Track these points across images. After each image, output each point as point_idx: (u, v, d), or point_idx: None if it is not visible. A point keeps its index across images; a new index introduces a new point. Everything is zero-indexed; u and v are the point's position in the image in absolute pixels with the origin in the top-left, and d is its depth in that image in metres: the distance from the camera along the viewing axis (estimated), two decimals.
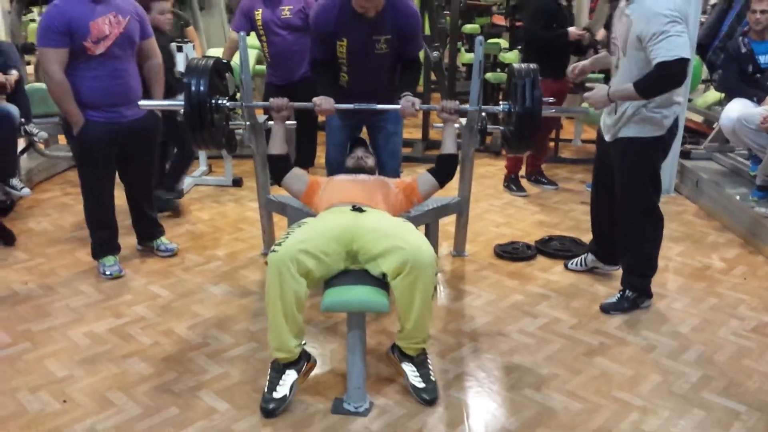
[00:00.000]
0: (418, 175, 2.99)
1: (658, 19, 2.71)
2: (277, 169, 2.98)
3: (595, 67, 3.38)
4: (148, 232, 3.82)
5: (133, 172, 3.62)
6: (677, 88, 2.87)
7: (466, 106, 3.17)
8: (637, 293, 3.22)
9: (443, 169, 2.98)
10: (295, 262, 2.33)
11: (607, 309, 3.20)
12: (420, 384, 2.50)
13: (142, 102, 3.20)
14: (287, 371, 2.46)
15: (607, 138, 3.17)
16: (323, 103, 3.06)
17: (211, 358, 2.76)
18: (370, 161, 3.16)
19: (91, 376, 2.62)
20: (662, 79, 2.76)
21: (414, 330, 2.47)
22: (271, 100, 3.05)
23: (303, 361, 2.51)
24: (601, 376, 2.68)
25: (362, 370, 2.46)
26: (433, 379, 2.53)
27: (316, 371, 2.68)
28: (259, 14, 4.67)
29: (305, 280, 2.37)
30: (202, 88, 2.88)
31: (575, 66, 3.37)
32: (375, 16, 3.04)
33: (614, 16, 3.07)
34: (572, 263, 3.69)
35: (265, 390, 2.44)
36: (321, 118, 3.76)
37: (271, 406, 2.39)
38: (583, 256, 3.66)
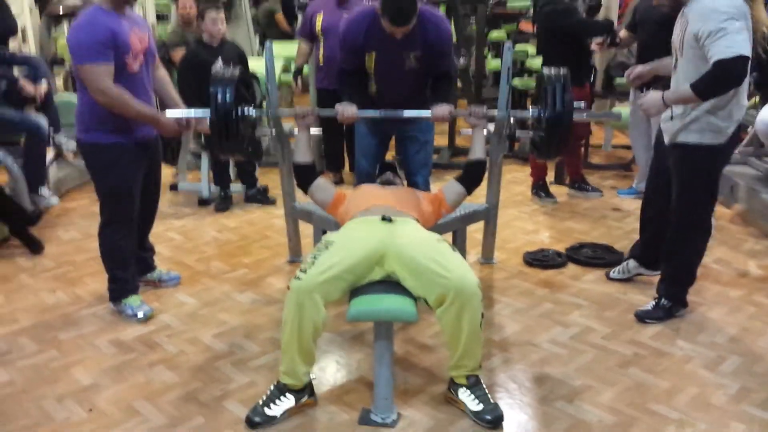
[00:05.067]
0: (443, 185, 2.94)
1: (715, 16, 2.62)
2: (303, 178, 2.95)
3: (656, 72, 3.25)
4: (148, 263, 3.49)
5: (150, 193, 3.28)
6: (737, 87, 2.74)
7: (495, 111, 3.11)
8: (672, 302, 3.13)
9: (471, 176, 2.93)
10: (319, 292, 2.29)
11: (641, 317, 3.12)
12: (478, 407, 2.38)
13: (170, 111, 3.15)
14: (288, 395, 2.40)
15: (666, 141, 3.04)
16: (345, 110, 3.04)
17: (237, 367, 2.74)
18: (398, 181, 3.12)
19: (117, 385, 2.61)
20: (720, 78, 2.66)
21: (464, 358, 2.40)
22: (296, 107, 3.03)
23: (305, 393, 2.44)
24: (636, 388, 2.60)
25: (390, 381, 2.40)
26: (491, 399, 2.42)
27: (342, 381, 2.65)
28: (320, 18, 4.89)
29: (325, 310, 2.33)
30: (228, 98, 2.87)
31: (632, 69, 3.27)
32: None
33: (676, 18, 2.96)
34: (614, 272, 3.57)
35: (260, 402, 2.39)
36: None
37: (257, 419, 2.34)
38: (624, 264, 3.54)
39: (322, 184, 2.95)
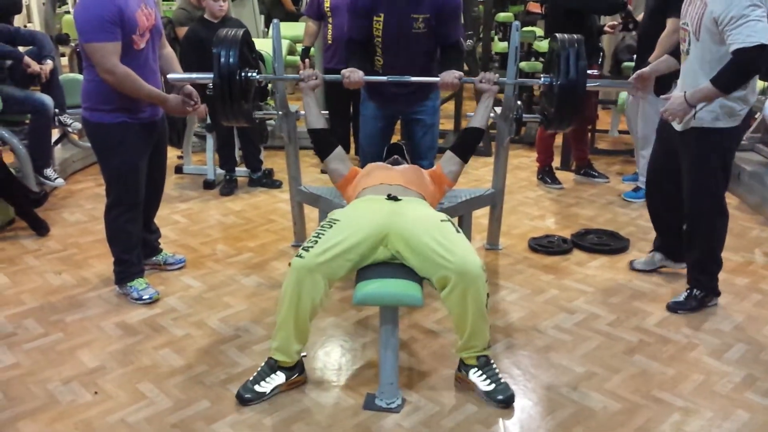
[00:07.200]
0: (440, 160, 2.94)
1: (738, 1, 2.57)
2: (321, 145, 2.93)
3: (657, 72, 3.19)
4: (153, 246, 3.47)
5: (155, 175, 3.25)
6: (756, 75, 2.71)
7: (505, 79, 3.06)
8: (704, 292, 3.09)
9: (466, 143, 2.92)
10: (321, 272, 2.30)
11: (674, 308, 3.08)
12: (489, 387, 2.39)
13: (171, 76, 3.10)
14: (278, 372, 2.42)
15: (679, 127, 2.96)
16: (351, 75, 3.00)
17: (242, 351, 2.74)
18: (405, 164, 3.10)
19: (123, 368, 2.62)
20: (741, 67, 2.62)
21: (472, 339, 2.40)
22: (302, 71, 3.01)
23: (296, 371, 2.47)
24: (641, 375, 2.60)
25: (395, 366, 2.41)
26: (503, 378, 2.43)
27: (347, 366, 2.65)
28: None
29: (327, 287, 2.34)
30: (231, 60, 2.83)
31: (638, 74, 3.17)
32: None
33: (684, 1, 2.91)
34: (639, 263, 3.52)
35: (250, 378, 2.42)
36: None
37: (248, 396, 2.37)
38: (650, 255, 3.49)
39: (342, 154, 2.93)
